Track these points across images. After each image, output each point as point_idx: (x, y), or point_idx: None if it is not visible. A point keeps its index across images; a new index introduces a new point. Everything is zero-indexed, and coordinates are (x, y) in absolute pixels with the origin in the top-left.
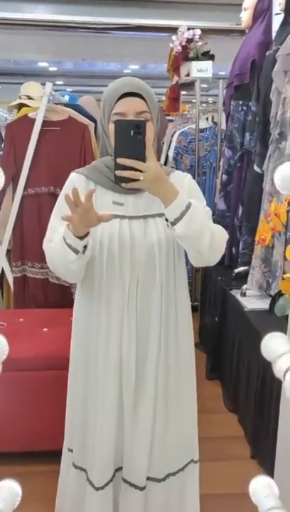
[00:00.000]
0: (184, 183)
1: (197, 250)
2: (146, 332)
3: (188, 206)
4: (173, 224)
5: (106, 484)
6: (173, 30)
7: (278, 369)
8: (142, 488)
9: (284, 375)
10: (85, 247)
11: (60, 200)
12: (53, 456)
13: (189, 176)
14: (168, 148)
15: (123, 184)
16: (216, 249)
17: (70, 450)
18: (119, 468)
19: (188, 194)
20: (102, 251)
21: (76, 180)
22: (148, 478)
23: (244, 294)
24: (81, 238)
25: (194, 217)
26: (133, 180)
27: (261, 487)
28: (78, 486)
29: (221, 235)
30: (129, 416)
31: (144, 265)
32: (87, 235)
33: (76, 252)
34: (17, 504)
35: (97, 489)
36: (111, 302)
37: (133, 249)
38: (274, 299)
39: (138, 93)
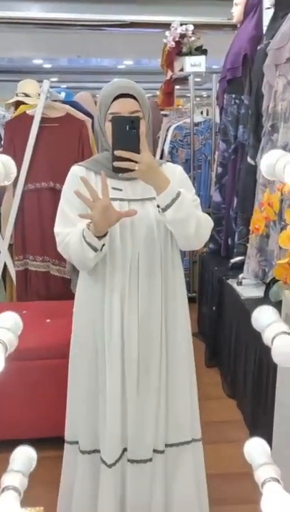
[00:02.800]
0: (176, 173)
1: (184, 235)
2: (147, 311)
3: (178, 195)
4: (164, 210)
5: (117, 461)
6: (166, 26)
7: (267, 337)
8: (149, 460)
9: (272, 341)
10: (103, 245)
11: (65, 189)
12: (57, 442)
13: (180, 167)
14: (164, 142)
15: (120, 174)
16: (200, 235)
17: (73, 442)
18: (124, 450)
19: (179, 184)
20: None
21: (77, 171)
22: (153, 451)
23: (240, 283)
24: (99, 238)
25: (182, 205)
26: (129, 170)
27: (254, 447)
28: (89, 469)
29: (206, 223)
30: (132, 395)
31: (144, 242)
32: (105, 234)
33: (95, 250)
34: (33, 467)
35: (110, 466)
36: (113, 281)
37: (133, 227)
38: (269, 286)
39: (131, 94)
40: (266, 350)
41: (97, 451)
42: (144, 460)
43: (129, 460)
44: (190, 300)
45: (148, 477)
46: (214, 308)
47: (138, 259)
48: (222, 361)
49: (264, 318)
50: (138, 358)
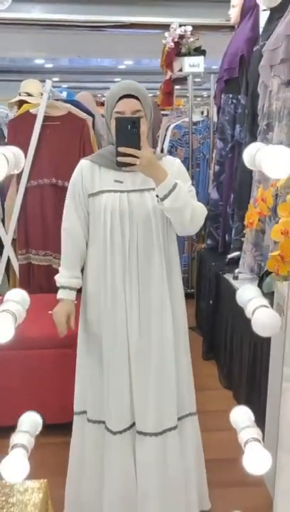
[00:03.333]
0: (174, 166)
1: (180, 222)
2: (147, 290)
3: (175, 186)
4: (162, 200)
5: (124, 430)
6: (166, 27)
7: (248, 311)
8: (157, 434)
9: (253, 314)
10: None
11: (70, 180)
12: (62, 428)
13: (178, 160)
14: (163, 141)
15: (123, 168)
16: (195, 221)
17: (80, 413)
18: (134, 424)
19: (177, 175)
20: (106, 220)
21: (84, 165)
22: (163, 431)
23: (236, 278)
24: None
25: (179, 195)
26: (131, 164)
27: (238, 415)
28: (95, 438)
29: (201, 211)
30: (135, 367)
31: (142, 228)
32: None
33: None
34: (39, 430)
35: (115, 433)
36: (115, 264)
37: (132, 214)
38: (262, 278)
39: (134, 95)
40: (261, 340)
41: (103, 422)
42: (150, 433)
43: (137, 432)
44: (189, 296)
45: (156, 450)
46: (211, 302)
47: (136, 245)
48: (219, 353)
49: (246, 295)
50: (139, 332)
